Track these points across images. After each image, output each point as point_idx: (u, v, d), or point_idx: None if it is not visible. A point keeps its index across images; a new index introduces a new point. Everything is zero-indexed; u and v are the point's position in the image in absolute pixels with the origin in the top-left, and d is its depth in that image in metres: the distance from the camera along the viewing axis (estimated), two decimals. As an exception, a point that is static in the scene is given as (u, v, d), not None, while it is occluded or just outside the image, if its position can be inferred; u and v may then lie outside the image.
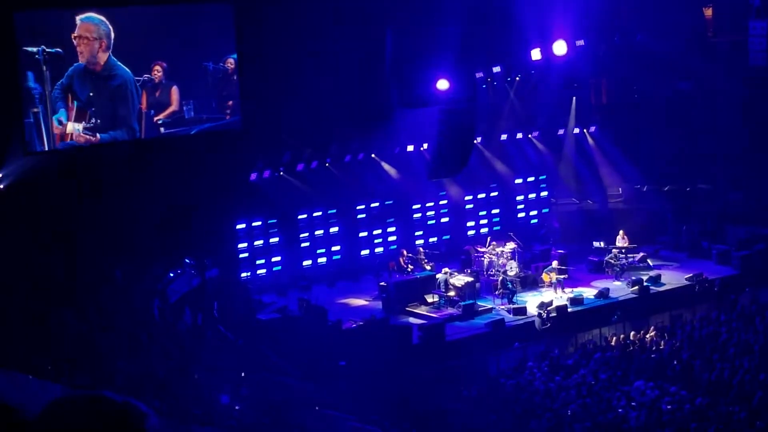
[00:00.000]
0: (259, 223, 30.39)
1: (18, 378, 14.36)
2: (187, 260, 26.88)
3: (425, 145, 32.20)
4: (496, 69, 32.70)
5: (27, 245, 22.66)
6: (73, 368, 17.82)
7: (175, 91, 20.96)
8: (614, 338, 26.29)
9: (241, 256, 29.86)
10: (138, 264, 25.08)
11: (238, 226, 29.81)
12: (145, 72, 19.82)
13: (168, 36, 20.88)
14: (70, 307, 21.51)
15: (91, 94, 18.50)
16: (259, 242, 30.38)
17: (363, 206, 32.40)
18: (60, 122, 18.56)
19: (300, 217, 31.13)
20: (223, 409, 19.02)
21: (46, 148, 18.62)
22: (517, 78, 33.75)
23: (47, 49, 17.65)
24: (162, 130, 20.93)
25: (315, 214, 31.43)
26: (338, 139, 30.96)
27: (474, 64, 25.21)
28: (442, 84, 23.44)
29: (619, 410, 21.38)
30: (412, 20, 22.60)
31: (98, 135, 19.10)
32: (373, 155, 32.20)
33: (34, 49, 17.56)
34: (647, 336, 26.08)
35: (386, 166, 32.46)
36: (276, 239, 30.66)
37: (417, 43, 22.69)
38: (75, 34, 18.08)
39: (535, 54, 32.00)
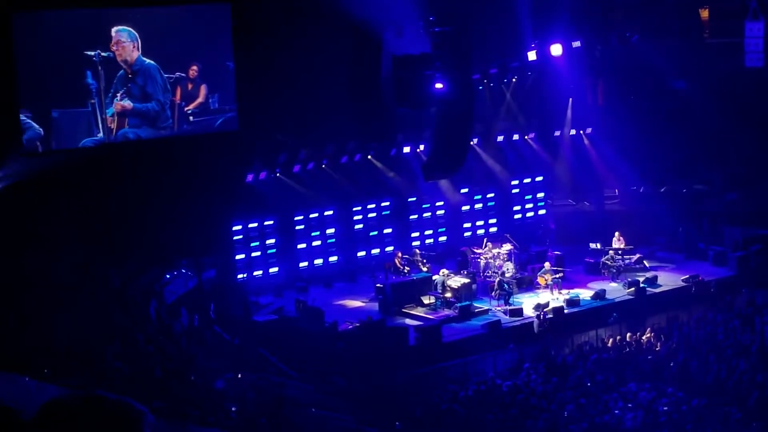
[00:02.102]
0: (256, 224, 30.36)
1: (15, 379, 14.37)
2: (183, 261, 26.88)
3: (422, 147, 32.23)
4: (493, 70, 32.77)
5: (23, 247, 22.65)
6: (70, 369, 17.81)
7: (203, 87, 24.87)
8: (611, 339, 26.30)
9: (238, 257, 29.84)
10: (135, 265, 25.08)
11: (235, 228, 29.78)
12: (177, 70, 23.87)
13: (195, 38, 24.76)
14: (66, 308, 21.49)
15: (126, 87, 22.95)
16: (255, 243, 30.36)
17: (359, 207, 32.38)
18: (113, 116, 23.03)
19: (296, 218, 31.11)
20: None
21: (102, 135, 22.69)
22: (514, 79, 33.80)
23: (102, 53, 22.15)
24: (191, 118, 24.77)
25: (311, 216, 31.41)
26: (335, 140, 30.95)
27: (471, 65, 25.21)
28: (439, 85, 23.44)
29: (616, 411, 21.38)
30: (410, 21, 22.61)
31: (130, 102, 23.27)
32: (369, 156, 32.19)
33: (92, 53, 22.04)
34: (644, 337, 26.08)
35: (383, 168, 32.46)
36: (272, 240, 30.65)
37: (414, 44, 22.69)
38: (113, 43, 22.61)
39: (531, 55, 32.08)
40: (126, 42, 22.57)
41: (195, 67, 24.68)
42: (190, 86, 24.65)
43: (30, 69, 21.73)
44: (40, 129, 21.89)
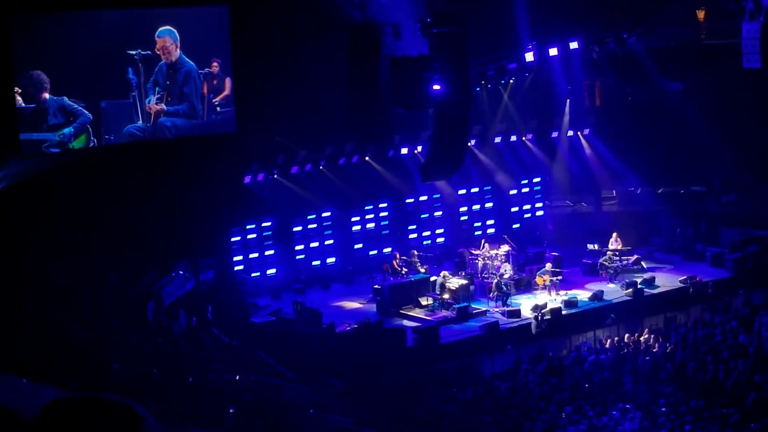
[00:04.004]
0: (253, 225, 30.38)
1: (13, 381, 14.34)
2: (181, 263, 26.88)
3: (419, 148, 32.25)
4: (490, 71, 32.79)
5: (21, 248, 22.66)
6: (68, 371, 17.79)
7: (228, 81, 26.96)
8: (608, 340, 26.31)
9: (236, 259, 29.84)
10: (132, 267, 25.07)
11: (233, 229, 29.79)
12: (206, 66, 26.25)
13: (216, 34, 26.88)
14: (65, 309, 21.49)
15: (168, 82, 25.56)
16: (253, 245, 30.37)
17: (357, 209, 32.41)
18: (149, 103, 25.65)
19: (294, 219, 31.12)
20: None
21: (141, 123, 25.40)
22: (511, 80, 33.82)
23: (142, 52, 24.91)
24: (218, 109, 26.93)
25: (309, 217, 31.44)
26: (332, 141, 30.97)
27: (468, 66, 25.22)
28: (437, 86, 23.39)
29: (614, 412, 21.39)
30: (407, 22, 22.61)
31: (164, 106, 25.73)
32: (367, 158, 32.22)
33: (133, 52, 24.93)
34: (641, 338, 26.09)
35: (380, 169, 32.48)
36: (270, 242, 30.66)
37: (412, 45, 22.69)
38: (158, 47, 25.30)
39: (529, 56, 32.10)
40: (170, 44, 25.51)
41: (216, 63, 26.69)
42: (215, 81, 26.80)
43: (81, 65, 24.57)
44: (90, 115, 24.65)
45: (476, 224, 34.95)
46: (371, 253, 32.53)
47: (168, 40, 25.56)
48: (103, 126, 25.05)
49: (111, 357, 19.82)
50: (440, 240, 34.06)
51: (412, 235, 33.43)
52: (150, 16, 25.51)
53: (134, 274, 25.10)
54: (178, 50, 25.66)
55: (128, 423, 3.45)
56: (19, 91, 23.45)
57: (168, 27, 25.56)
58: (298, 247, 31.25)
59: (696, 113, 33.21)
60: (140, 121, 25.50)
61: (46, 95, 23.88)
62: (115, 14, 25.07)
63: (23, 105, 23.68)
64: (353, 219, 32.41)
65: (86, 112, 24.49)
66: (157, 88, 25.61)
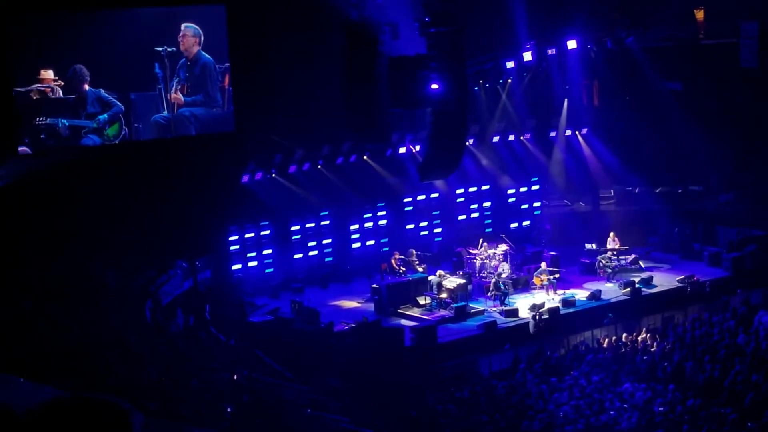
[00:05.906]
0: (251, 225, 30.36)
1: (9, 380, 14.34)
2: (179, 262, 26.87)
3: (417, 147, 32.23)
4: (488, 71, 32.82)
5: (19, 247, 22.64)
6: (65, 370, 17.78)
7: None
8: (606, 340, 26.32)
9: (233, 257, 29.81)
10: (130, 266, 25.06)
11: (230, 228, 29.77)
12: (226, 61, 27.66)
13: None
14: (62, 308, 21.47)
15: (187, 74, 27.44)
16: (251, 244, 30.35)
17: (355, 208, 32.39)
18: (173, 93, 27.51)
19: (292, 218, 31.11)
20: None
21: (166, 113, 27.15)
22: (509, 80, 33.83)
23: (168, 48, 26.84)
24: None
25: (307, 216, 31.42)
26: (330, 141, 30.96)
27: (466, 65, 25.23)
28: (435, 86, 23.38)
29: (612, 412, 21.39)
30: (405, 22, 22.62)
31: (182, 96, 27.32)
32: (365, 157, 32.21)
33: (160, 48, 26.73)
34: (639, 338, 26.10)
35: (378, 168, 32.47)
36: (268, 241, 30.64)
37: (409, 45, 22.70)
38: (180, 35, 27.16)
39: (527, 56, 32.11)
40: (189, 36, 27.22)
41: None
42: None
43: (115, 60, 26.52)
44: (122, 106, 26.52)
45: (474, 223, 34.91)
46: (369, 251, 32.49)
47: (189, 32, 27.42)
48: (133, 115, 27.00)
49: (109, 356, 19.81)
50: (438, 239, 34.04)
51: (410, 234, 33.40)
52: (175, 16, 27.30)
53: (131, 273, 25.08)
54: (199, 45, 27.32)
55: (117, 420, 3.45)
56: (62, 83, 25.48)
57: (192, 23, 27.35)
58: (295, 246, 31.22)
59: (694, 112, 33.22)
60: (165, 112, 27.30)
61: (87, 87, 26.02)
62: (145, 14, 26.95)
63: (62, 96, 25.63)
64: (351, 218, 32.38)
65: (119, 103, 26.52)
66: (177, 81, 27.24)
